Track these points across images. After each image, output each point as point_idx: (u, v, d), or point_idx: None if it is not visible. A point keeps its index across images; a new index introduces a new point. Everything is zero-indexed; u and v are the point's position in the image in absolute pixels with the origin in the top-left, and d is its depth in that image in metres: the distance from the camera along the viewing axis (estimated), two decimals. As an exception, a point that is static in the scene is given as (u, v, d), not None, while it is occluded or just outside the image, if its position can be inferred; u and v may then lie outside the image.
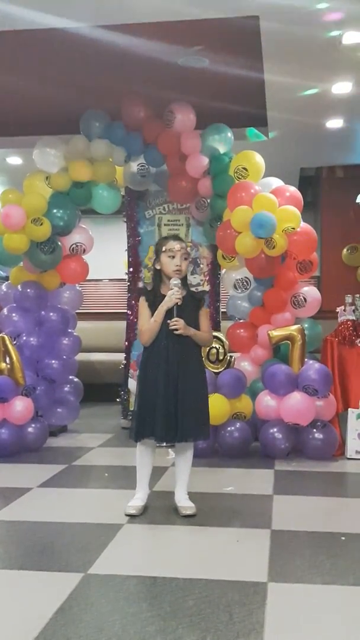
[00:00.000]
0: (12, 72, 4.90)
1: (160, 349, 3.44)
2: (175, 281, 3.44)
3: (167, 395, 3.38)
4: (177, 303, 3.41)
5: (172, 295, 3.41)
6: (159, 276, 3.54)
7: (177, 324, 3.39)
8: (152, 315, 3.45)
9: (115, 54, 4.45)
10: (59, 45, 4.44)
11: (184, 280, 3.53)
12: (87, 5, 3.84)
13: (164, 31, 4.20)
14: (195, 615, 2.33)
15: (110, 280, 9.03)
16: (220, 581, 2.63)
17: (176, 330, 3.39)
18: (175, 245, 3.47)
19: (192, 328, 3.45)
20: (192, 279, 5.83)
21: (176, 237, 3.58)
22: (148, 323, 3.45)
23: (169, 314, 3.42)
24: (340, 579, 2.68)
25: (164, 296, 3.45)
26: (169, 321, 3.41)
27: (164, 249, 3.48)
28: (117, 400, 6.13)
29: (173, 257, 3.45)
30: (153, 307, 3.47)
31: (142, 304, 3.52)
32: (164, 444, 3.75)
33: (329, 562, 2.85)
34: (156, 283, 3.56)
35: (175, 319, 3.40)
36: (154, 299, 3.49)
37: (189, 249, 3.54)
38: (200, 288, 5.80)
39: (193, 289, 3.95)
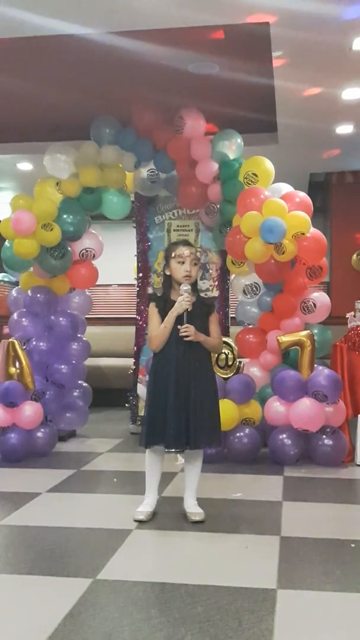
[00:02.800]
0: (24, 78, 4.93)
1: (171, 355, 3.42)
2: (185, 287, 3.42)
3: (178, 402, 3.36)
4: (187, 309, 3.39)
5: (182, 301, 3.39)
6: (169, 282, 3.52)
7: (188, 331, 3.38)
8: (162, 321, 3.44)
9: (125, 60, 4.48)
10: (70, 51, 4.47)
11: (193, 285, 3.51)
12: (98, 11, 3.86)
13: (174, 37, 4.22)
14: (205, 621, 2.32)
15: (120, 285, 9.05)
16: (230, 588, 2.62)
17: (187, 336, 3.38)
18: (184, 250, 3.45)
19: (202, 334, 3.44)
20: (202, 284, 5.83)
21: (186, 243, 3.56)
22: (158, 329, 3.44)
23: (179, 319, 3.40)
24: (350, 586, 2.66)
25: (174, 302, 3.43)
26: (179, 327, 3.39)
27: (173, 254, 3.47)
28: (126, 405, 6.13)
29: (183, 262, 3.44)
30: (163, 313, 3.45)
31: (152, 310, 3.50)
32: (173, 450, 3.74)
33: (339, 569, 2.83)
34: (166, 289, 3.54)
35: (186, 325, 3.38)
36: (164, 305, 3.47)
37: (198, 254, 3.52)
38: (209, 293, 5.81)
39: (202, 294, 3.94)
